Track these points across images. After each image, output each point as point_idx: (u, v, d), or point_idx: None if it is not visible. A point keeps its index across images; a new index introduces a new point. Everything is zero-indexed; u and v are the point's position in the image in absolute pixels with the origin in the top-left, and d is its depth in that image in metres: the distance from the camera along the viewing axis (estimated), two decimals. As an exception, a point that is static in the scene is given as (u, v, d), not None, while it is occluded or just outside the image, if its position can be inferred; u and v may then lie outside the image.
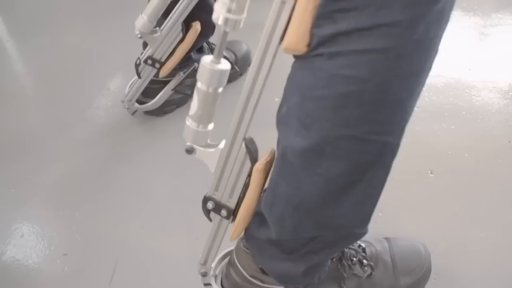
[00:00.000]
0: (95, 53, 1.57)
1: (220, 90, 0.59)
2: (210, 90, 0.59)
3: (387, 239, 0.89)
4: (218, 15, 0.53)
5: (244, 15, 0.53)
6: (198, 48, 1.20)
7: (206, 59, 0.58)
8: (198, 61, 1.18)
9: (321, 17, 0.49)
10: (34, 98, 1.43)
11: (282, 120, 0.61)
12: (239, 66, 1.29)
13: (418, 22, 0.48)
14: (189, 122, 0.63)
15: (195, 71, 1.19)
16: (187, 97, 1.26)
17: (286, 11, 0.51)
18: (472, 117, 1.25)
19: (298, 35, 0.51)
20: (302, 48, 0.51)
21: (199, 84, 0.59)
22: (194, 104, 0.61)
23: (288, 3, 0.51)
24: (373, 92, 0.52)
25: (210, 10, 1.07)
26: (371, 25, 0.48)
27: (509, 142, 1.18)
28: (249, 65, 1.35)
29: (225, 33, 0.55)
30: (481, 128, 1.22)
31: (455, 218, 1.00)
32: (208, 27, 1.11)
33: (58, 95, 1.40)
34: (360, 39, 0.49)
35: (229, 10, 0.52)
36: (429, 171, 1.10)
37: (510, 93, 1.32)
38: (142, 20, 0.98)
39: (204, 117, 0.62)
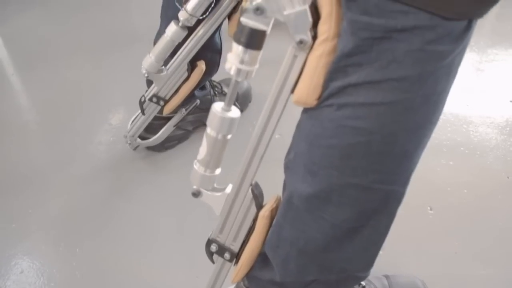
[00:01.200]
0: (97, 87, 1.59)
1: (229, 137, 0.60)
2: (220, 136, 0.60)
3: (386, 276, 0.89)
4: (231, 65, 0.54)
5: (256, 66, 0.55)
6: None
7: (217, 107, 0.59)
8: (200, 98, 1.21)
9: (334, 71, 0.51)
10: (37, 131, 1.44)
11: (289, 166, 0.62)
12: (240, 103, 1.31)
13: (426, 77, 0.50)
14: (196, 166, 0.64)
15: (197, 107, 1.20)
16: (189, 133, 1.27)
17: (297, 65, 0.53)
18: (471, 153, 1.27)
19: (308, 89, 0.52)
20: (312, 102, 0.53)
21: (208, 130, 0.60)
22: (203, 149, 0.62)
23: (300, 56, 0.52)
24: (380, 143, 0.53)
25: (214, 49, 1.11)
26: (380, 78, 0.49)
27: (508, 177, 1.19)
28: (249, 102, 1.38)
29: (237, 83, 0.56)
30: (480, 163, 1.23)
31: (455, 255, 1.00)
32: (213, 66, 1.13)
33: (60, 129, 1.41)
34: (369, 92, 0.50)
35: (241, 62, 0.53)
36: (429, 208, 1.11)
37: (507, 129, 1.35)
38: (149, 60, 1.00)
39: (212, 162, 0.63)
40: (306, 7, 0.50)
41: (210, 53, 1.08)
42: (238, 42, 0.53)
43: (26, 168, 1.28)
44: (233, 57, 0.54)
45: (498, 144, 1.29)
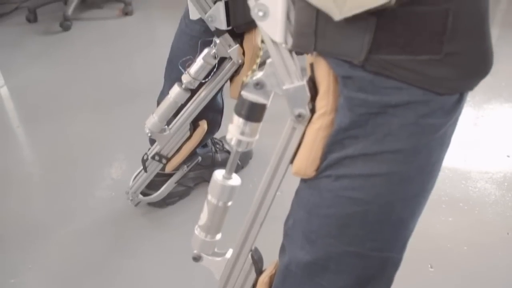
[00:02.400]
0: (101, 142, 1.61)
1: (229, 204, 0.62)
2: (220, 204, 0.61)
3: None
4: (232, 136, 0.56)
5: (257, 137, 0.57)
6: (202, 143, 1.25)
7: (218, 175, 0.61)
8: (201, 155, 1.23)
9: (331, 144, 0.53)
10: (39, 184, 1.45)
11: (288, 233, 0.63)
12: (240, 160, 1.34)
13: (420, 149, 0.52)
14: (197, 231, 0.65)
15: (198, 164, 1.22)
16: (190, 189, 1.29)
17: (296, 137, 0.55)
18: (470, 209, 1.27)
19: (307, 162, 0.54)
20: (311, 173, 0.55)
21: (209, 197, 0.62)
22: (204, 215, 0.63)
23: (298, 129, 0.55)
24: (376, 212, 0.54)
25: (216, 109, 1.14)
26: (376, 151, 0.51)
27: (508, 234, 1.19)
28: (250, 158, 1.40)
29: (237, 153, 0.58)
30: (479, 220, 1.24)
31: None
32: (214, 125, 1.16)
33: (62, 183, 1.43)
34: (366, 163, 0.52)
35: (242, 133, 0.56)
36: (429, 265, 1.11)
37: (506, 184, 1.36)
38: (152, 120, 1.03)
39: (212, 228, 0.64)
40: (304, 82, 0.53)
41: (212, 113, 1.11)
42: (239, 114, 0.55)
43: (27, 221, 1.29)
44: (234, 129, 0.56)
45: (497, 200, 1.30)
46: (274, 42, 0.52)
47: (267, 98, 0.55)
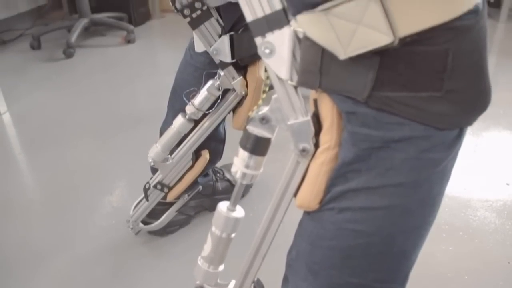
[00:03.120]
0: (102, 169, 1.62)
1: (233, 235, 0.62)
2: (224, 235, 0.62)
3: None
4: (237, 169, 0.57)
5: (261, 170, 0.58)
6: (203, 172, 1.25)
7: (222, 206, 0.61)
8: (202, 184, 1.24)
9: (335, 177, 0.54)
10: (40, 212, 1.45)
11: (291, 264, 0.63)
12: (242, 188, 1.34)
13: (422, 182, 0.53)
14: (200, 262, 0.66)
15: (198, 192, 1.23)
16: (190, 218, 1.29)
17: (300, 171, 0.56)
18: (470, 238, 1.27)
19: (311, 195, 0.55)
20: (314, 206, 0.56)
21: (213, 228, 0.63)
22: (208, 246, 0.64)
23: (302, 163, 0.56)
24: (378, 245, 0.55)
25: (219, 139, 1.15)
26: (378, 184, 0.53)
27: (508, 263, 1.19)
28: (250, 187, 1.41)
29: (242, 185, 0.59)
30: (479, 248, 1.24)
31: None
32: (216, 155, 1.17)
33: (63, 210, 1.43)
34: (368, 197, 0.53)
35: (247, 166, 0.57)
36: (431, 295, 1.11)
37: (505, 212, 1.36)
38: (155, 150, 1.04)
39: (216, 259, 0.64)
40: (309, 118, 0.55)
41: (214, 143, 1.12)
42: (244, 148, 0.57)
43: (27, 248, 1.28)
44: (239, 162, 0.57)
45: (497, 228, 1.31)
46: (279, 78, 0.54)
47: (272, 132, 0.56)
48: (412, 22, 0.44)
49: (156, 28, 3.22)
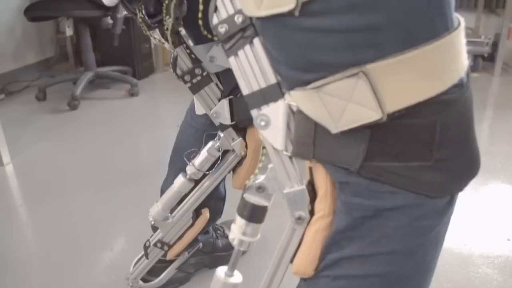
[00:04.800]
0: (103, 224, 1.62)
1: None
2: (222, 303, 0.62)
3: None
4: (234, 236, 0.59)
5: (258, 237, 0.59)
6: (204, 230, 1.26)
7: (220, 272, 0.62)
8: (203, 241, 1.24)
9: (329, 245, 0.55)
10: (39, 266, 1.44)
11: None
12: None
13: (415, 249, 0.54)
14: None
15: (199, 250, 1.23)
16: (190, 275, 1.28)
17: (296, 238, 0.57)
18: (472, 296, 1.26)
19: (306, 262, 0.56)
20: (310, 273, 0.57)
21: (211, 294, 0.63)
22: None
23: (298, 230, 0.57)
24: None
25: (219, 198, 1.16)
26: (372, 252, 0.54)
27: (512, 321, 1.18)
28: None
29: (239, 252, 0.60)
30: (482, 307, 1.22)
31: None
32: (216, 213, 1.18)
33: (62, 265, 1.42)
34: (362, 265, 0.54)
35: (244, 233, 0.58)
36: None
37: (507, 269, 1.35)
38: (156, 209, 1.06)
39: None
40: (304, 187, 0.56)
41: (215, 201, 1.13)
42: (241, 215, 0.58)
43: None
44: (236, 229, 0.59)
45: (499, 286, 1.29)
46: (275, 149, 0.56)
47: (269, 200, 0.58)
48: (400, 99, 0.46)
49: (159, 82, 3.30)
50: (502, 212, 1.64)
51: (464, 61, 0.50)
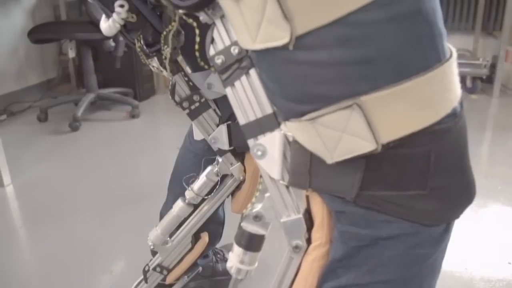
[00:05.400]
0: (102, 246, 1.62)
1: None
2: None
3: None
4: (232, 265, 0.59)
5: (256, 265, 0.59)
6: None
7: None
8: (202, 265, 1.23)
9: (326, 273, 0.56)
10: (39, 288, 1.44)
11: None
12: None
13: (412, 277, 0.54)
14: None
15: (198, 274, 1.23)
16: (190, 299, 1.27)
17: (293, 267, 0.57)
18: (473, 320, 1.25)
19: None
20: (307, 303, 0.57)
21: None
22: None
23: (295, 259, 0.57)
24: None
25: (218, 222, 1.16)
26: (368, 281, 0.54)
27: None
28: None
29: (237, 280, 0.60)
30: (484, 332, 1.21)
31: None
32: (215, 237, 1.18)
33: (62, 288, 1.42)
34: None
35: (241, 262, 0.58)
36: None
37: (509, 293, 1.34)
38: (155, 233, 1.06)
39: None
40: (301, 216, 0.57)
41: (214, 225, 1.13)
42: (239, 244, 0.58)
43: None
44: (234, 258, 0.59)
45: (501, 311, 1.28)
46: (272, 178, 0.56)
47: (266, 229, 0.58)
48: (394, 129, 0.47)
49: (160, 104, 3.32)
50: (503, 235, 1.63)
51: (457, 91, 0.51)
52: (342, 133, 0.48)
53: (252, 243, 0.58)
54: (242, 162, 0.97)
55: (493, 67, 3.18)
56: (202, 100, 0.87)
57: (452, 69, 0.49)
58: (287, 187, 0.57)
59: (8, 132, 2.71)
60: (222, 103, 0.90)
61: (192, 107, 0.87)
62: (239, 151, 0.95)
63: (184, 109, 0.87)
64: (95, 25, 2.57)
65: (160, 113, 3.13)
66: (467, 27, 3.53)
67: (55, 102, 3.04)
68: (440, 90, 0.48)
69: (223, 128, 0.90)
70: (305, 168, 0.53)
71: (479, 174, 2.03)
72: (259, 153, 0.55)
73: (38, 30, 2.77)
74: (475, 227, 1.67)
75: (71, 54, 2.98)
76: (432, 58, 0.47)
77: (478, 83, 3.19)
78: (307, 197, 0.58)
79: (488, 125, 2.68)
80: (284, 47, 0.46)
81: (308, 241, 0.57)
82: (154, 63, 0.80)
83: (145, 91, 3.29)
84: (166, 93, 3.43)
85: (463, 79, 3.17)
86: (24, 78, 3.39)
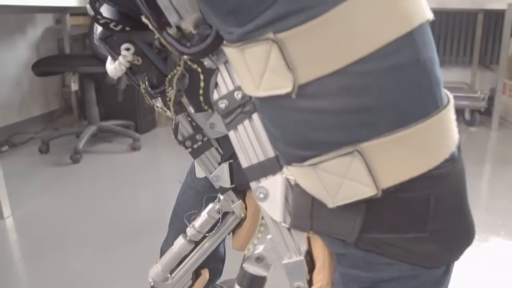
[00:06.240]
0: (102, 282, 1.61)
1: None
2: None
3: None
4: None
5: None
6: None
7: None
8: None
9: None
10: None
11: None
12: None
13: None
14: None
15: (198, 307, 1.22)
16: (189, 336, 1.25)
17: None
18: None
19: None
20: None
21: None
22: None
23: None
24: None
25: (218, 258, 1.16)
26: None
27: None
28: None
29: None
30: None
31: None
32: (215, 274, 1.17)
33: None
34: None
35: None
36: None
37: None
38: (156, 270, 1.05)
39: None
40: (302, 258, 0.57)
41: (214, 262, 1.13)
42: (241, 285, 0.59)
43: None
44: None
45: None
46: (273, 220, 0.57)
47: (267, 270, 0.58)
48: (394, 175, 0.48)
49: (161, 136, 3.34)
50: (504, 270, 1.62)
51: (455, 136, 0.52)
52: (343, 179, 0.49)
53: (253, 284, 0.58)
54: (244, 200, 0.98)
55: (491, 99, 3.22)
56: (205, 139, 0.88)
57: (449, 116, 0.50)
58: (288, 229, 0.57)
59: (10, 163, 2.72)
60: (224, 142, 0.91)
61: (195, 146, 0.88)
62: (241, 189, 0.96)
63: (186, 148, 0.88)
64: (98, 58, 2.62)
65: (161, 145, 3.15)
66: (465, 60, 3.59)
67: (57, 134, 3.06)
68: (438, 136, 0.49)
69: (225, 166, 0.91)
70: (306, 211, 0.54)
71: (479, 207, 2.03)
72: (262, 195, 0.56)
73: (42, 63, 2.81)
74: (476, 261, 1.66)
75: (74, 86, 3.03)
76: (430, 106, 0.49)
77: (476, 115, 3.22)
78: (308, 239, 0.59)
79: (488, 158, 2.69)
80: (287, 95, 0.48)
81: (310, 283, 0.58)
82: (158, 103, 0.81)
83: (146, 124, 3.32)
84: (167, 125, 3.47)
85: (461, 112, 3.21)
86: (26, 110, 3.43)
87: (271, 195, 0.56)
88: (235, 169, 0.91)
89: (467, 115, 3.22)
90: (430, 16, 0.49)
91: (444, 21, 3.61)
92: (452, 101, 0.52)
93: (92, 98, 2.95)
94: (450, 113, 0.51)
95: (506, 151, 2.83)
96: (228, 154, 0.92)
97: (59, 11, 3.46)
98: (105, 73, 2.60)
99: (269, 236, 0.58)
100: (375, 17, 0.45)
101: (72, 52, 3.55)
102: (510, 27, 3.03)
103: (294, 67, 0.46)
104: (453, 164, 0.51)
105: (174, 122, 0.85)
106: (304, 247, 0.58)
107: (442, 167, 0.50)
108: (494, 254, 1.72)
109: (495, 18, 3.54)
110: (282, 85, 0.47)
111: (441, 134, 0.50)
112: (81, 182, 2.51)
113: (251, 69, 0.49)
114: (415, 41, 0.47)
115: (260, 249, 0.58)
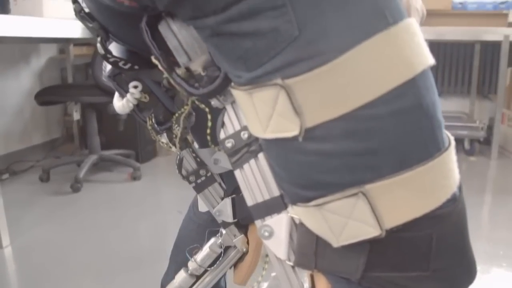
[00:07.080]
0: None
1: None
2: None
3: None
4: None
5: None
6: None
7: None
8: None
9: None
10: None
11: None
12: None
13: None
14: None
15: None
16: None
17: None
18: None
19: None
20: None
21: None
22: None
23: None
24: None
25: (219, 294, 1.15)
26: None
27: None
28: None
29: None
30: None
31: None
32: (216, 308, 1.17)
33: None
34: None
35: None
36: None
37: None
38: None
39: None
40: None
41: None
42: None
43: None
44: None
45: None
46: (278, 258, 0.58)
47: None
48: (397, 216, 0.49)
49: (161, 166, 3.35)
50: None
51: (456, 177, 0.53)
52: (348, 219, 0.50)
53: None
54: (246, 234, 0.98)
55: (490, 129, 3.24)
56: (208, 174, 0.89)
57: (450, 157, 0.52)
58: (293, 267, 0.58)
59: (10, 191, 2.72)
60: (228, 177, 0.92)
61: (199, 181, 0.89)
62: (243, 223, 0.96)
63: (190, 182, 0.88)
64: (100, 88, 2.65)
65: (161, 175, 3.15)
66: (463, 90, 3.63)
67: (57, 163, 3.07)
68: (440, 178, 0.50)
69: (228, 201, 0.91)
70: (311, 250, 0.54)
71: (481, 238, 2.03)
72: (266, 234, 0.57)
73: (44, 93, 2.84)
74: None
75: (76, 116, 3.05)
76: (432, 148, 0.50)
77: (476, 145, 3.24)
78: (312, 276, 0.59)
79: (488, 188, 2.70)
80: (294, 138, 0.49)
81: None
82: (163, 139, 0.83)
83: (146, 153, 3.33)
84: (167, 155, 3.48)
85: (461, 141, 3.23)
86: (28, 138, 3.44)
87: (276, 233, 0.56)
88: (237, 204, 0.92)
89: (466, 145, 3.24)
90: (431, 61, 0.51)
91: (442, 52, 3.67)
92: (453, 142, 0.53)
93: (93, 127, 2.97)
94: (451, 155, 0.52)
95: (506, 181, 2.84)
96: (231, 189, 0.92)
97: (63, 42, 3.52)
98: (107, 102, 2.62)
99: (273, 274, 0.58)
100: (380, 64, 0.47)
101: (75, 82, 3.59)
102: (507, 57, 3.09)
103: (302, 111, 0.47)
104: (454, 204, 0.52)
105: (178, 157, 0.86)
106: (307, 285, 0.59)
107: (444, 207, 0.51)
108: (495, 286, 1.71)
109: (492, 48, 3.60)
110: (289, 129, 0.49)
111: (443, 175, 0.51)
112: (81, 211, 2.50)
113: (259, 112, 0.50)
114: (417, 86, 0.48)
115: (264, 286, 0.58)
